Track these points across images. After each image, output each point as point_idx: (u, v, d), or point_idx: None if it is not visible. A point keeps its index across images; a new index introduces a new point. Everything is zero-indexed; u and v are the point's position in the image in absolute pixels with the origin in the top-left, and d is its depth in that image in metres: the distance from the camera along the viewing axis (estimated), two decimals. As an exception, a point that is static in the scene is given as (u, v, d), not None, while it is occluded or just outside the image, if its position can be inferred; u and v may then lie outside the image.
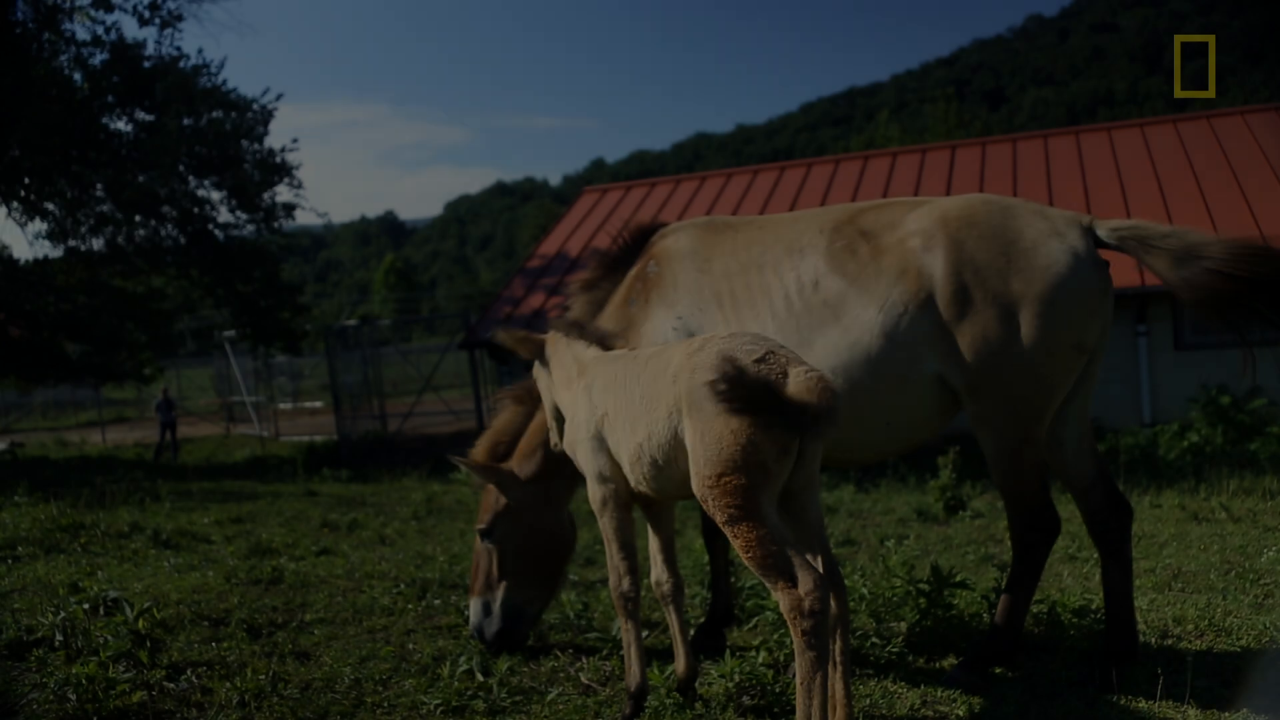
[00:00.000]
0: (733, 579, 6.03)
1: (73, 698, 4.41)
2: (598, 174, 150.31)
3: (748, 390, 3.37)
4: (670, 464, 3.85)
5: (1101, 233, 4.66)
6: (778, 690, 4.56)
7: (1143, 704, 4.34)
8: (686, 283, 5.19)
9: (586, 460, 4.40)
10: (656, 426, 3.84)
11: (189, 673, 5.08)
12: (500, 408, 5.84)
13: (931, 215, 4.74)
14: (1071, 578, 6.80)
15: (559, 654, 5.50)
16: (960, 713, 4.38)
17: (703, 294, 5.12)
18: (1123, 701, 4.38)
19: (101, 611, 5.73)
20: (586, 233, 21.32)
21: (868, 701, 4.55)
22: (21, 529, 8.59)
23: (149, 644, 5.17)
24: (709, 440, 3.53)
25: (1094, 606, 5.45)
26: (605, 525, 4.43)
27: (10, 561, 7.67)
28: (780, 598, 3.45)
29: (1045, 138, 20.75)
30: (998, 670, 4.79)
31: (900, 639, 5.19)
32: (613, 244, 5.68)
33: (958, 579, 5.55)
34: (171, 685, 4.89)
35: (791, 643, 5.06)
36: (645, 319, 5.23)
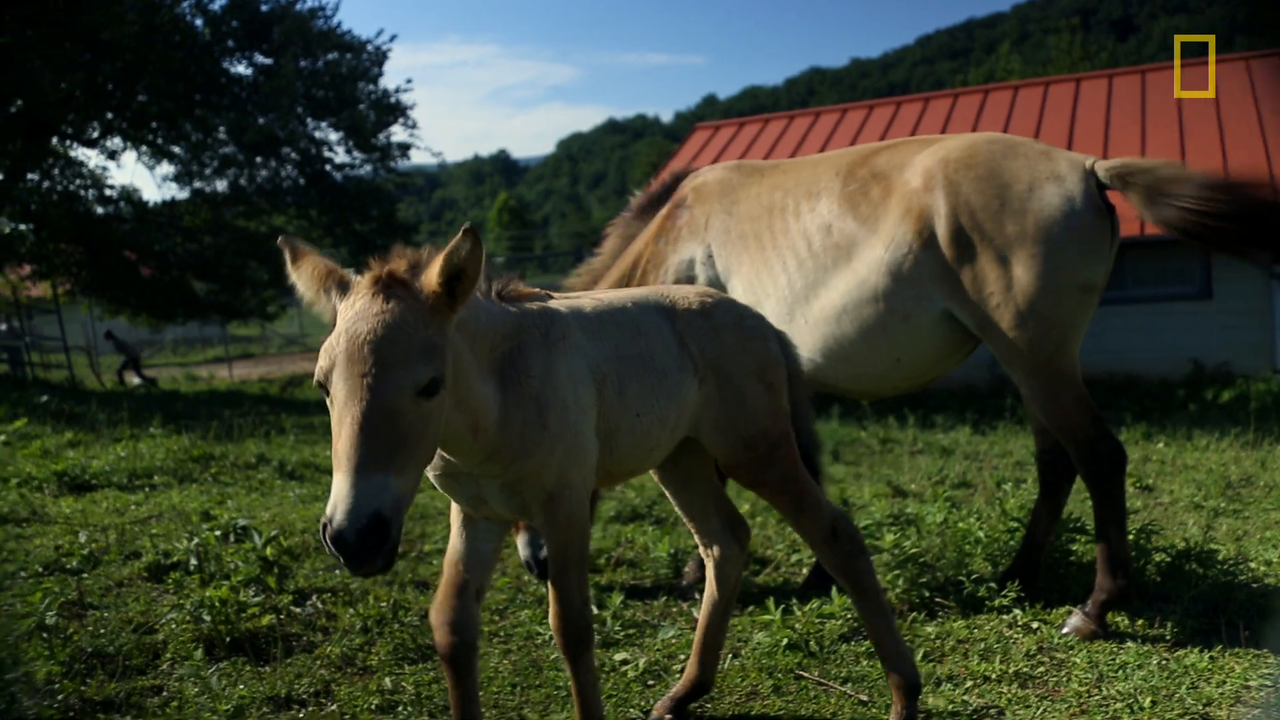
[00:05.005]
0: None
1: (207, 619, 4.63)
2: (709, 110, 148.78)
3: None
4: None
5: (1100, 174, 4.63)
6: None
7: (1271, 659, 4.20)
8: (714, 224, 5.43)
9: (577, 455, 3.21)
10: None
11: (314, 599, 5.28)
12: None
13: (935, 156, 4.83)
14: (1196, 526, 6.58)
15: (669, 594, 5.55)
16: (1078, 660, 4.30)
17: (729, 235, 5.37)
18: (1250, 655, 4.24)
19: (231, 539, 5.98)
20: (698, 171, 21.10)
21: (982, 645, 4.50)
22: (157, 459, 8.99)
23: (276, 570, 5.39)
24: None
25: (1220, 556, 5.29)
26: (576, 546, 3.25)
27: (148, 490, 8.04)
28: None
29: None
30: (1116, 620, 4.69)
31: (1016, 584, 5.11)
32: (651, 187, 6.02)
33: (1076, 523, 5.43)
34: (298, 610, 5.09)
35: (905, 585, 5.06)
36: (674, 253, 5.49)
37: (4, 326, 26.66)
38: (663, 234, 5.61)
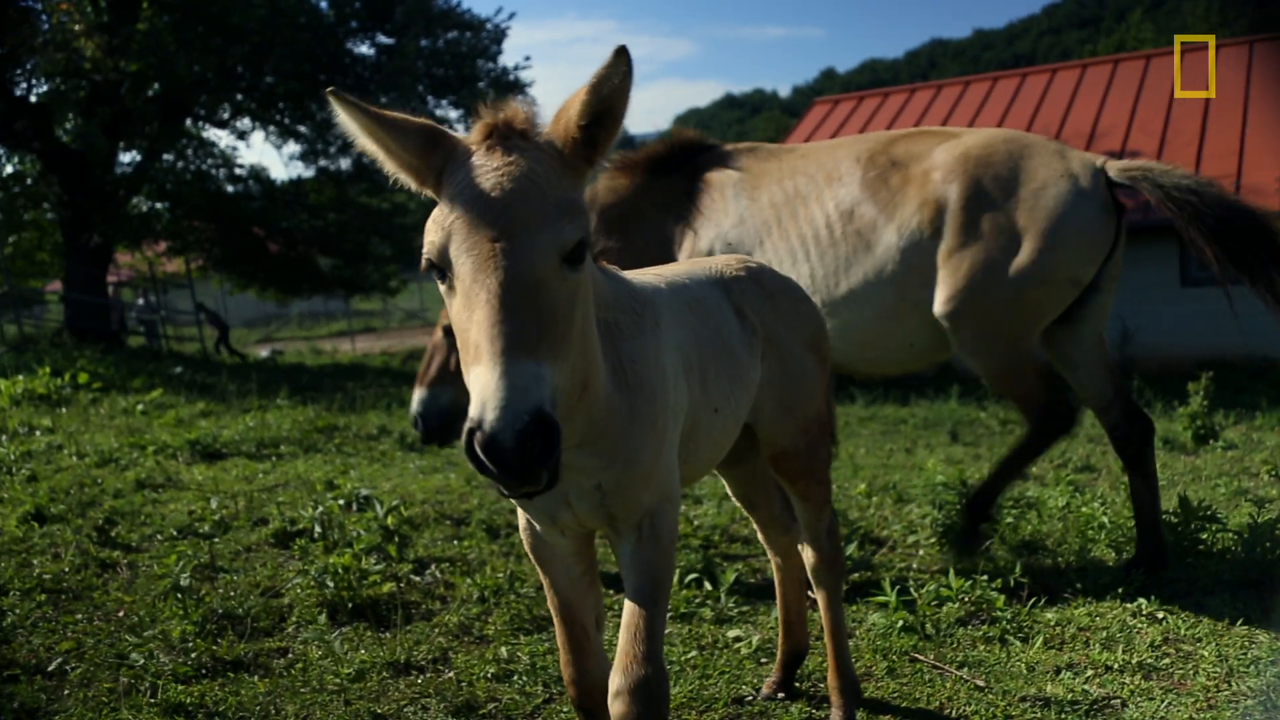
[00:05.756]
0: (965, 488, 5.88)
1: (330, 585, 4.78)
2: (828, 84, 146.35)
3: None
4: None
5: (1111, 174, 4.88)
6: (1009, 615, 4.45)
7: None
8: (735, 210, 5.61)
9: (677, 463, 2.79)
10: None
11: (433, 568, 5.41)
12: None
13: (954, 151, 5.08)
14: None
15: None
16: (1206, 653, 4.13)
17: (749, 222, 5.55)
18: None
19: (354, 508, 6.17)
20: (814, 147, 20.77)
21: (1104, 634, 4.37)
22: (283, 429, 9.30)
23: (397, 539, 5.54)
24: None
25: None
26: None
27: (275, 459, 8.33)
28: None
29: (1326, 34, 18.69)
30: (1248, 613, 4.50)
31: (1140, 571, 4.94)
32: (661, 146, 6.16)
33: (1206, 512, 5.22)
34: (418, 579, 5.22)
35: (1024, 569, 4.95)
36: (692, 239, 5.65)
37: (141, 301, 27.87)
38: (679, 213, 5.75)
